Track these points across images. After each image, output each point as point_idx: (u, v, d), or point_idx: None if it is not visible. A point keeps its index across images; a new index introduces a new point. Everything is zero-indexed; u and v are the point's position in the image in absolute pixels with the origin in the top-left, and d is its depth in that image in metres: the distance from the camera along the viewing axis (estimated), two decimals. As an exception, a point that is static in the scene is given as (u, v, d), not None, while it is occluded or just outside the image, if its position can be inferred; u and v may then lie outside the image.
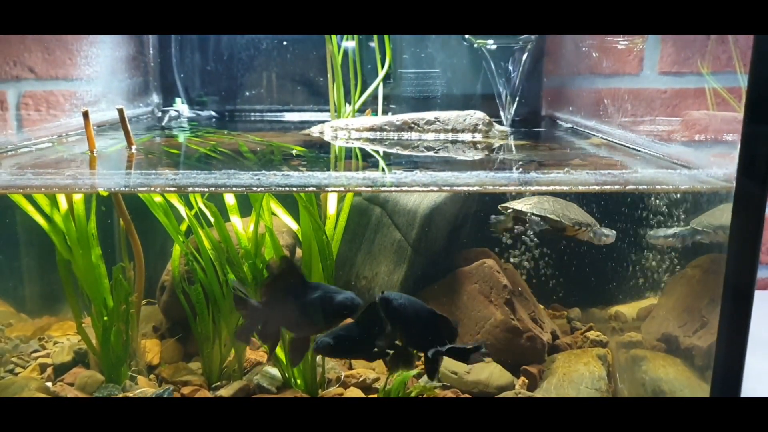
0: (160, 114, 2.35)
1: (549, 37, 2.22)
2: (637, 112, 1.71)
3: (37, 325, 1.87)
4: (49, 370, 1.68)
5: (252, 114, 2.42)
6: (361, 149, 1.69)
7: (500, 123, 2.03)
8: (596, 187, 1.10)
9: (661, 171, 1.11)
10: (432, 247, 1.87)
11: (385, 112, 2.09)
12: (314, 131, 1.85)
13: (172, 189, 1.07)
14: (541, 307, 1.97)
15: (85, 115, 1.48)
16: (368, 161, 1.57)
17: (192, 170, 1.10)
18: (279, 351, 1.65)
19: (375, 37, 2.14)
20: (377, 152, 1.65)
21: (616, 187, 1.10)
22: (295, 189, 1.11)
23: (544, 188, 1.08)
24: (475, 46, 2.09)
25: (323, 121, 1.90)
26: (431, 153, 1.61)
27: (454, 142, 1.71)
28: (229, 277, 1.58)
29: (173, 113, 2.33)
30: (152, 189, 1.08)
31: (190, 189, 1.08)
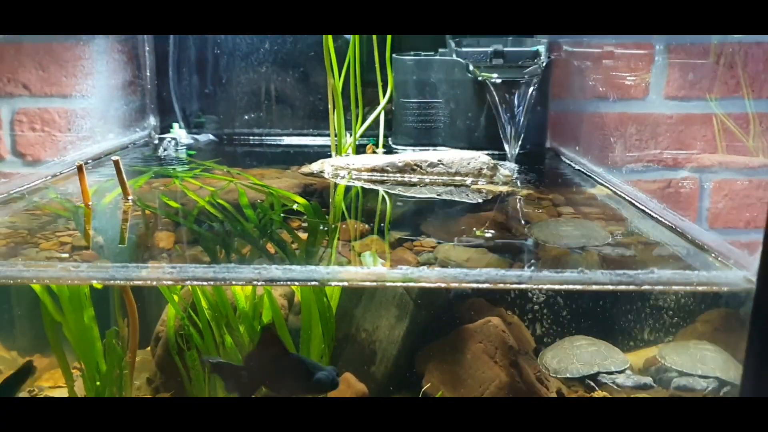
0: (157, 141, 2.31)
1: (554, 71, 2.17)
2: (642, 143, 1.69)
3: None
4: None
5: (251, 138, 2.38)
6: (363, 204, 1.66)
7: (504, 157, 2.01)
8: (610, 287, 1.06)
9: (678, 273, 1.08)
10: (435, 300, 1.83)
11: (385, 140, 2.12)
12: (314, 168, 1.84)
13: (170, 282, 1.04)
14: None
15: (80, 168, 1.48)
16: (370, 225, 1.53)
17: (190, 264, 1.06)
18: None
19: (377, 67, 2.10)
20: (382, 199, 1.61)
21: (632, 287, 1.07)
22: (296, 283, 1.07)
23: (557, 287, 1.05)
24: (480, 78, 2.05)
25: (323, 146, 1.88)
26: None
27: (458, 186, 1.69)
28: (225, 338, 1.55)
29: (171, 141, 2.28)
30: (150, 281, 1.04)
31: (188, 282, 1.04)
